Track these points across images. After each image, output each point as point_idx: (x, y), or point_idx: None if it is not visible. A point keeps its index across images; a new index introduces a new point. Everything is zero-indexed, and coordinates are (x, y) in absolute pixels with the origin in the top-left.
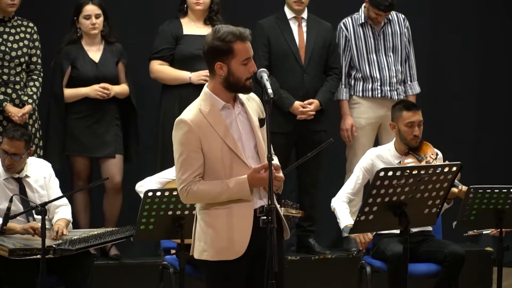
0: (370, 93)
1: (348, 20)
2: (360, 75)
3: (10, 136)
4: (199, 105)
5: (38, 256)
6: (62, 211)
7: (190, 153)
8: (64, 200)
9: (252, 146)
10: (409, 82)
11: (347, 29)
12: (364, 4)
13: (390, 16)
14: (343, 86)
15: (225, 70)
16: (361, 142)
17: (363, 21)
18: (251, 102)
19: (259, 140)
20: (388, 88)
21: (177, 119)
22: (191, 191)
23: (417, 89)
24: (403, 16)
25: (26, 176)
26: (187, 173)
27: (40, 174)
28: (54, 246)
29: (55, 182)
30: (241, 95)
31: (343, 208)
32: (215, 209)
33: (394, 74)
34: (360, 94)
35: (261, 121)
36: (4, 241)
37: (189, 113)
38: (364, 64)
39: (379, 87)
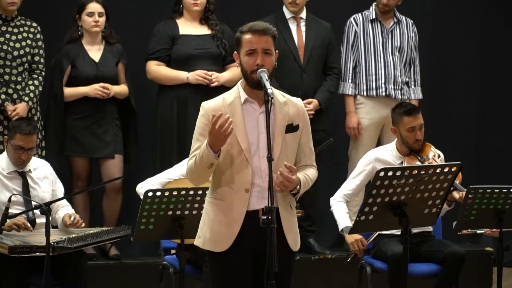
0: (374, 91)
1: (358, 16)
2: (364, 72)
3: (26, 132)
4: (225, 95)
5: (37, 253)
6: (66, 210)
7: (198, 135)
8: (66, 201)
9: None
10: (413, 87)
11: (357, 24)
12: (374, 2)
13: (399, 17)
14: (349, 81)
15: (238, 60)
16: (364, 143)
17: (373, 17)
18: (290, 106)
19: (277, 142)
20: (393, 87)
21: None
22: (187, 168)
23: (420, 94)
24: (411, 21)
25: (29, 170)
26: (191, 154)
27: (42, 171)
28: (53, 244)
29: (61, 185)
30: (277, 97)
31: (341, 209)
32: (214, 198)
33: (399, 74)
34: (365, 94)
35: (292, 127)
36: (3, 239)
37: (212, 100)
38: (371, 60)
39: (383, 85)
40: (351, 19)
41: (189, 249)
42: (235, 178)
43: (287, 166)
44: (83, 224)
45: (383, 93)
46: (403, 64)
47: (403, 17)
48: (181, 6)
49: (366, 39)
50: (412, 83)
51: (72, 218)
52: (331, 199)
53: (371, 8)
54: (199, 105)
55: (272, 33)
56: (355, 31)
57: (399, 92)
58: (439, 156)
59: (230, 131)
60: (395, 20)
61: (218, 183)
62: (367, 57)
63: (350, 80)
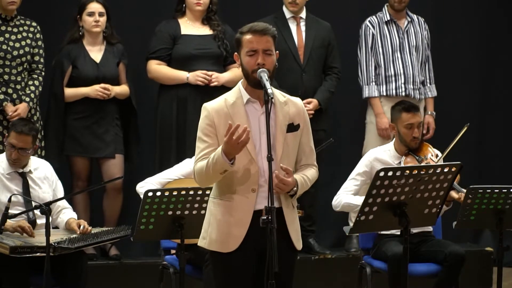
0: (394, 92)
1: (373, 18)
2: (384, 74)
3: (19, 131)
4: (226, 95)
5: (38, 254)
6: (68, 213)
7: (203, 136)
8: (67, 203)
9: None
10: (428, 85)
11: (373, 26)
12: (386, 4)
13: (412, 16)
14: (373, 83)
15: (239, 61)
16: (381, 142)
17: (388, 18)
18: (290, 106)
19: (279, 142)
20: (412, 87)
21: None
22: (195, 170)
23: (435, 92)
24: (423, 19)
25: (30, 171)
26: (198, 155)
27: (43, 172)
28: (54, 244)
29: (61, 186)
30: (277, 97)
31: (350, 196)
32: (219, 199)
33: (417, 73)
34: (384, 94)
35: (293, 126)
36: (4, 239)
37: (214, 101)
38: (389, 62)
39: (403, 85)
40: (367, 22)
41: (189, 249)
42: (243, 179)
43: (283, 168)
44: (91, 229)
45: (403, 93)
46: (420, 63)
47: (415, 15)
48: (183, 5)
49: (384, 41)
50: (428, 81)
51: (82, 227)
52: (334, 199)
53: (383, 9)
54: (199, 105)
55: (272, 33)
56: (373, 34)
57: (417, 91)
58: (437, 156)
59: (247, 140)
60: (409, 20)
61: (224, 183)
62: (385, 59)
63: (374, 83)
